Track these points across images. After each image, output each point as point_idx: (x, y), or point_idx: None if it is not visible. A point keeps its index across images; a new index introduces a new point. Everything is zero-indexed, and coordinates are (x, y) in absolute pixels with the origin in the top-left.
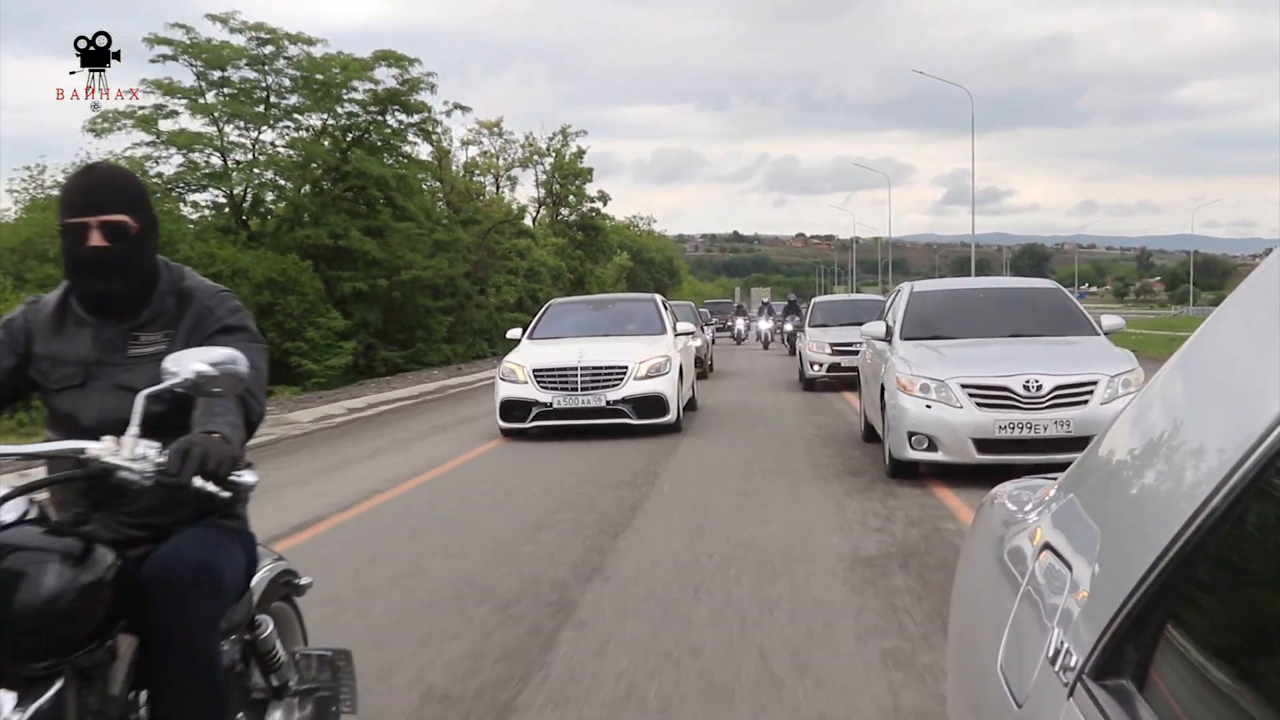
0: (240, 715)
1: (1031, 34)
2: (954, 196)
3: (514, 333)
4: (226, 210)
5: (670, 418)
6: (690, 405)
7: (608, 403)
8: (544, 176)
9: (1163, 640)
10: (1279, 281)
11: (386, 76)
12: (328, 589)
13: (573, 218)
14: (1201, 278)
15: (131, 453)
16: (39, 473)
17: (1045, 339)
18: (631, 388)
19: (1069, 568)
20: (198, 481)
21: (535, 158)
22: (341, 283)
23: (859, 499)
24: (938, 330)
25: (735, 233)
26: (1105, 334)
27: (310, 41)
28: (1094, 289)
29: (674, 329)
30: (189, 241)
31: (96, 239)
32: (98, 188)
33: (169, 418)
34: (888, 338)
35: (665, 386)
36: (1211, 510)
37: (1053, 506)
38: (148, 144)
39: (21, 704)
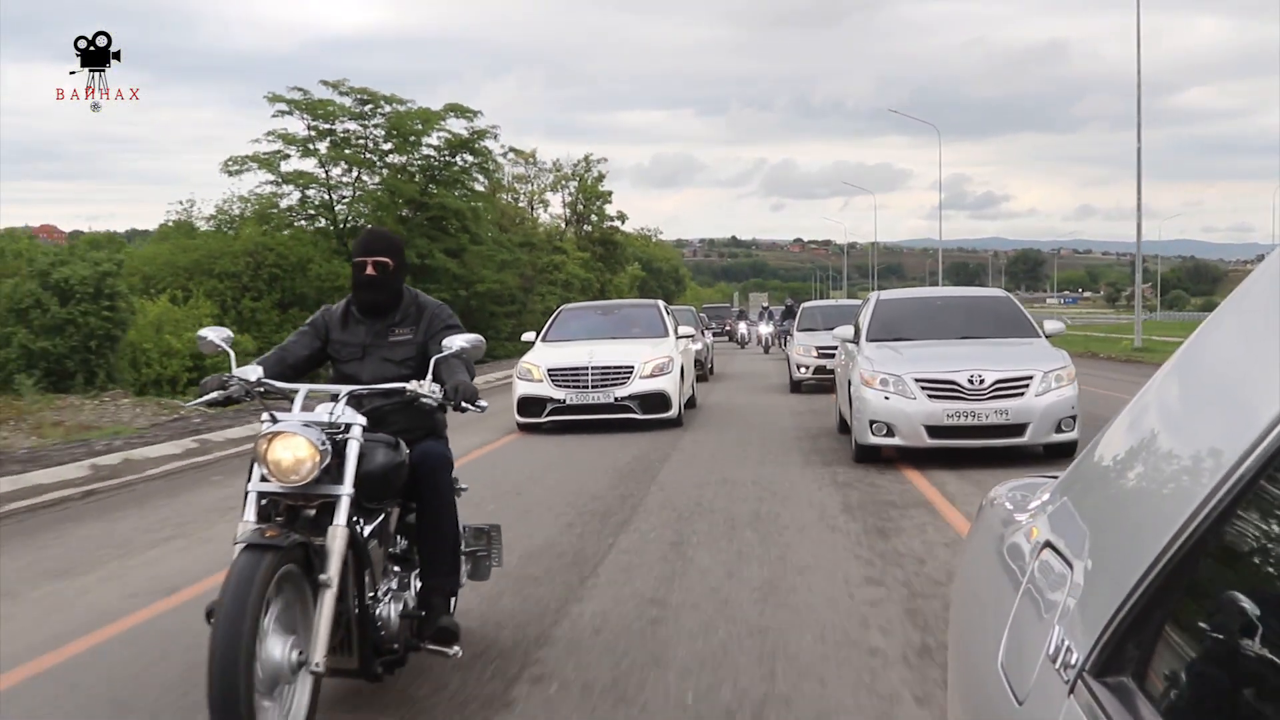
0: None
1: (1029, 40)
2: (952, 201)
3: (528, 335)
4: (332, 233)
5: (673, 413)
6: (690, 403)
7: (616, 399)
8: (570, 198)
9: (1163, 638)
10: (1274, 286)
11: (456, 125)
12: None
13: (595, 234)
14: (1193, 283)
15: (428, 389)
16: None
17: (992, 340)
18: (637, 386)
19: (1069, 566)
20: (464, 405)
21: (562, 182)
22: (431, 292)
23: (809, 438)
24: (900, 333)
25: (733, 238)
26: (1047, 337)
27: (401, 101)
28: (1087, 294)
29: (675, 332)
30: (318, 262)
31: (370, 270)
32: (373, 240)
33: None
34: (856, 340)
35: (668, 385)
36: (1210, 511)
37: (1051, 507)
38: (271, 182)
39: (366, 523)
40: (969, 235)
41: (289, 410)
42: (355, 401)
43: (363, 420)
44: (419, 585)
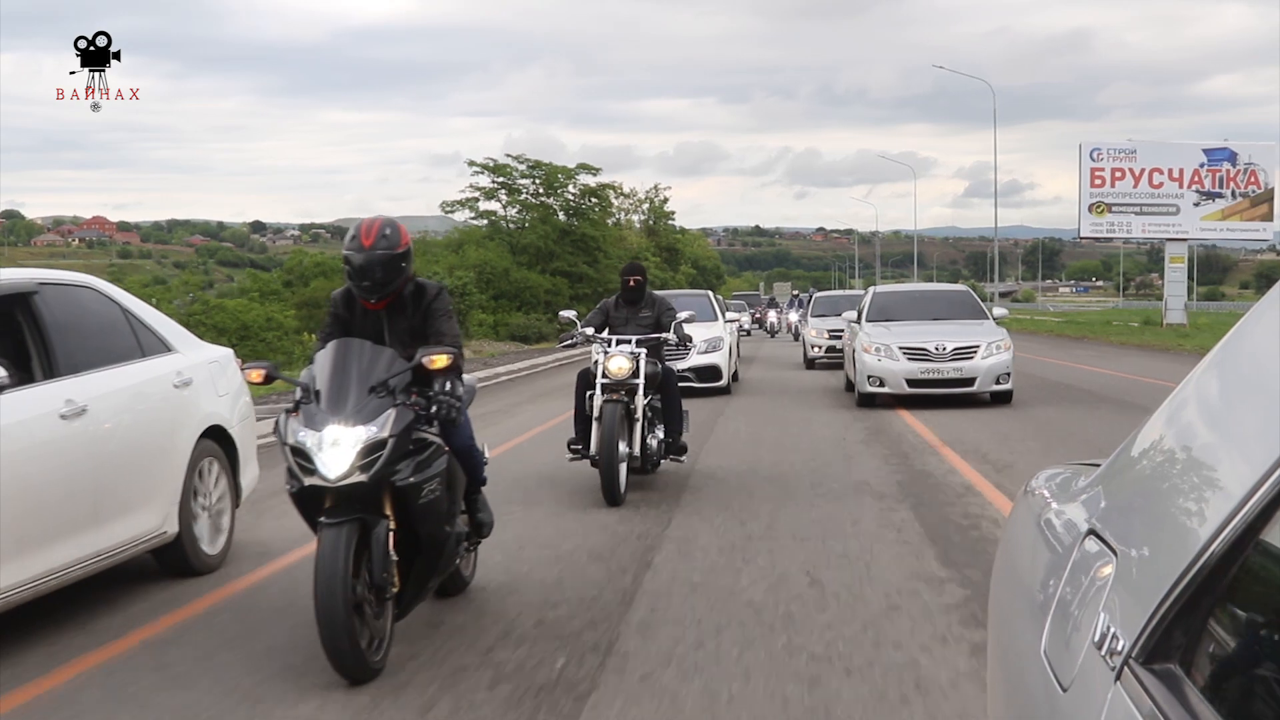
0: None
1: (1053, 29)
2: (976, 189)
3: None
4: (509, 251)
5: (723, 382)
6: (734, 376)
7: (677, 371)
8: (643, 217)
9: (1210, 626)
10: None
11: (585, 177)
12: None
13: (662, 242)
14: (1203, 273)
15: (671, 337)
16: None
17: (954, 321)
18: (695, 360)
19: (1113, 554)
20: (684, 344)
21: (639, 205)
22: (577, 289)
23: (827, 394)
24: (890, 315)
25: (756, 227)
26: (994, 320)
27: (552, 165)
28: (1100, 283)
29: (724, 316)
30: (513, 271)
31: (632, 284)
32: (633, 267)
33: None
34: (858, 320)
35: (720, 359)
36: (1255, 502)
37: (1093, 494)
38: (472, 218)
39: (646, 398)
40: (992, 223)
41: (609, 348)
42: (638, 343)
43: (644, 351)
44: (662, 431)
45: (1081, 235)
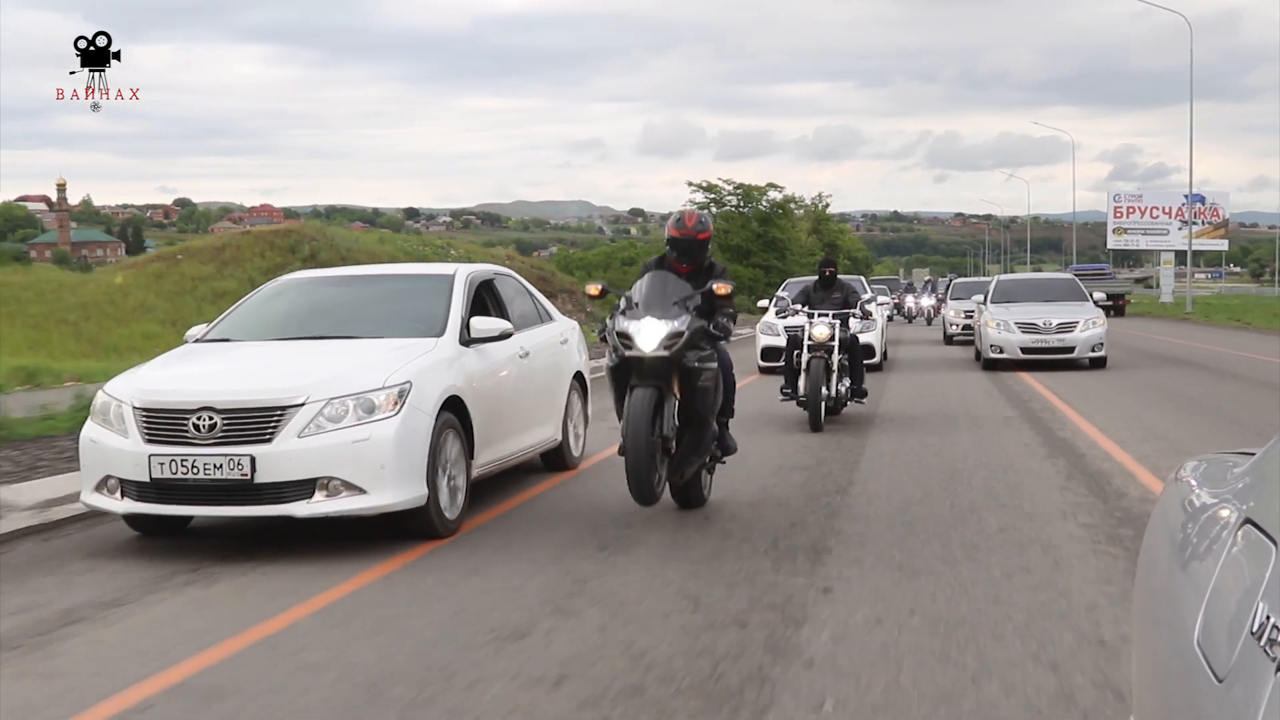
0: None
1: (1202, 9)
2: (1120, 173)
3: (764, 302)
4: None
5: (876, 359)
6: (884, 355)
7: None
8: (808, 222)
9: None
10: None
11: (773, 192)
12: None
13: (825, 239)
14: None
15: (858, 313)
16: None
17: (1060, 303)
18: None
19: (1273, 543)
20: (864, 317)
21: (809, 212)
22: (770, 277)
23: (962, 363)
24: (1009, 298)
25: (895, 212)
26: (1094, 302)
27: (749, 185)
28: (1237, 269)
29: (876, 300)
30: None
31: (828, 273)
32: (827, 260)
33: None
34: (985, 302)
35: (872, 338)
36: None
37: (1247, 483)
38: None
39: (839, 356)
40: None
41: (814, 318)
42: (833, 316)
43: (838, 322)
44: (848, 380)
45: (1109, 247)
